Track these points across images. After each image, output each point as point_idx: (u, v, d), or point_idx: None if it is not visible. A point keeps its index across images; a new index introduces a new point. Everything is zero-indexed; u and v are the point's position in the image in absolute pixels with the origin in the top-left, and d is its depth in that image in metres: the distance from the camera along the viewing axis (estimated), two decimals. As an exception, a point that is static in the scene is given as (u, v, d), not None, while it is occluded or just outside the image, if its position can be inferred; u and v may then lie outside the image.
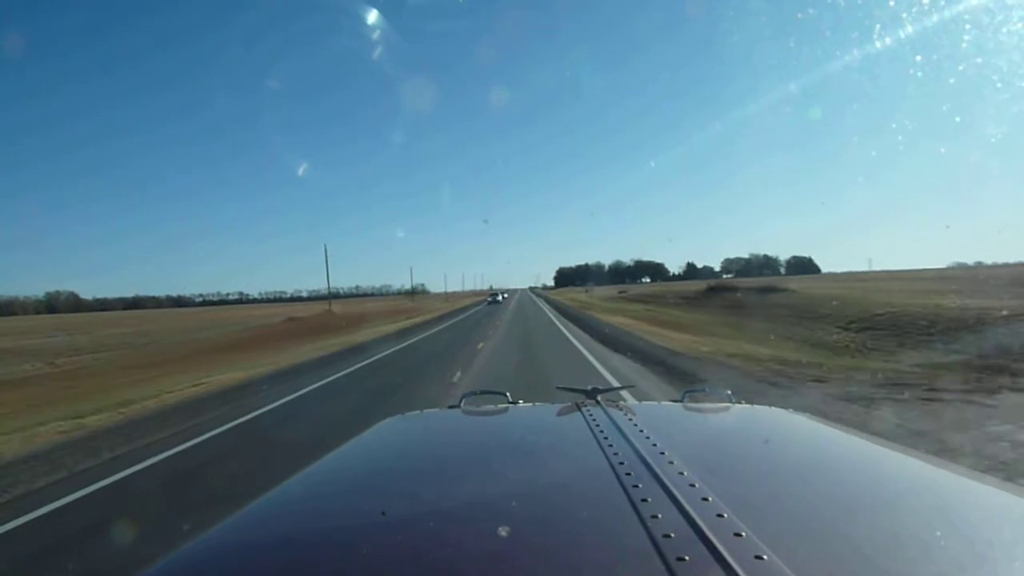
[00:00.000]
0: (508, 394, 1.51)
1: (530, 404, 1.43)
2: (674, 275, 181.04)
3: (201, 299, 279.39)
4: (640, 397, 5.63)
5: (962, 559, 0.58)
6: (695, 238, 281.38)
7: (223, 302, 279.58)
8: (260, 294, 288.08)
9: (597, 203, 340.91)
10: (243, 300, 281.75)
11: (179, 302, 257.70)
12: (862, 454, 1.00)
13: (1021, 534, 0.67)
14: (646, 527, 0.59)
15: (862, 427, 3.74)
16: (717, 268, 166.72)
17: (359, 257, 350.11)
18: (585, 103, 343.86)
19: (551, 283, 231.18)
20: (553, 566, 0.58)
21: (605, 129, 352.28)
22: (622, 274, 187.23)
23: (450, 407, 1.49)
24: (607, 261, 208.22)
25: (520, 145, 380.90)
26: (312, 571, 0.62)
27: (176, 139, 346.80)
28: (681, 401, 1.39)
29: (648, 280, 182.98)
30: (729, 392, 1.45)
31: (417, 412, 1.46)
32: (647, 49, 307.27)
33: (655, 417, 1.17)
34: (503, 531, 0.63)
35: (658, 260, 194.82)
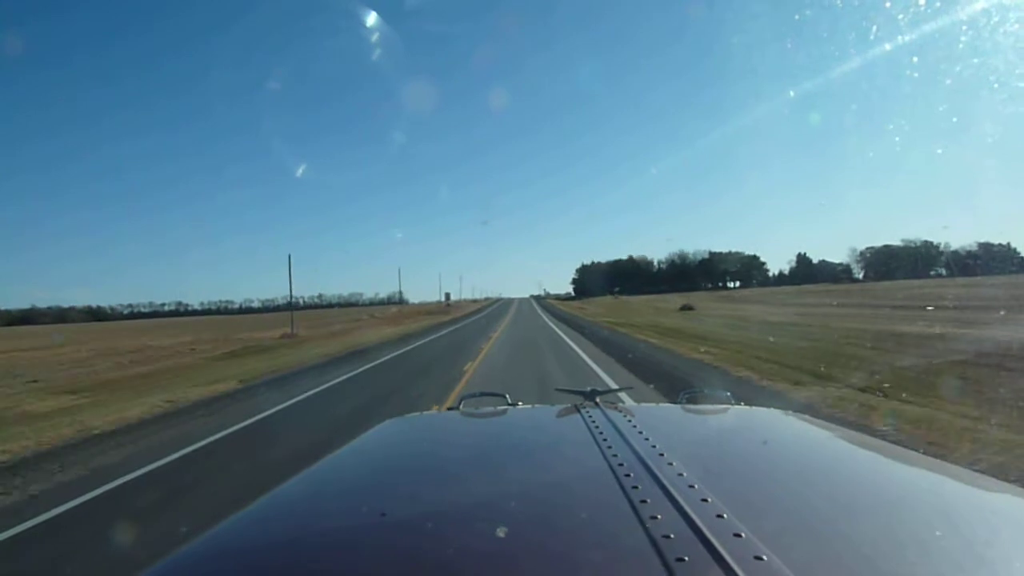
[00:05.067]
0: (507, 396, 1.57)
1: (529, 406, 1.48)
2: (779, 275, 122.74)
3: (129, 310, 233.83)
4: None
5: (961, 559, 0.59)
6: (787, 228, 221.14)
7: (155, 314, 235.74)
8: (201, 304, 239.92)
9: (600, 209, 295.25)
10: (179, 312, 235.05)
11: (98, 314, 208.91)
12: (861, 455, 1.03)
13: (1020, 534, 0.69)
14: (645, 528, 0.61)
15: None
16: (839, 262, 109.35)
17: (353, 264, 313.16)
18: (586, 108, 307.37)
19: (558, 291, 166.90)
20: (553, 567, 0.60)
21: (607, 134, 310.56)
22: (689, 274, 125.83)
23: (449, 409, 1.56)
24: (655, 255, 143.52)
25: (521, 151, 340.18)
26: (312, 572, 0.64)
27: (160, 148, 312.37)
28: (680, 403, 1.42)
29: (737, 285, 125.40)
30: (728, 393, 1.47)
31: (417, 414, 1.55)
32: (649, 53, 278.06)
33: (654, 418, 1.20)
34: (502, 532, 0.64)
35: (746, 250, 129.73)
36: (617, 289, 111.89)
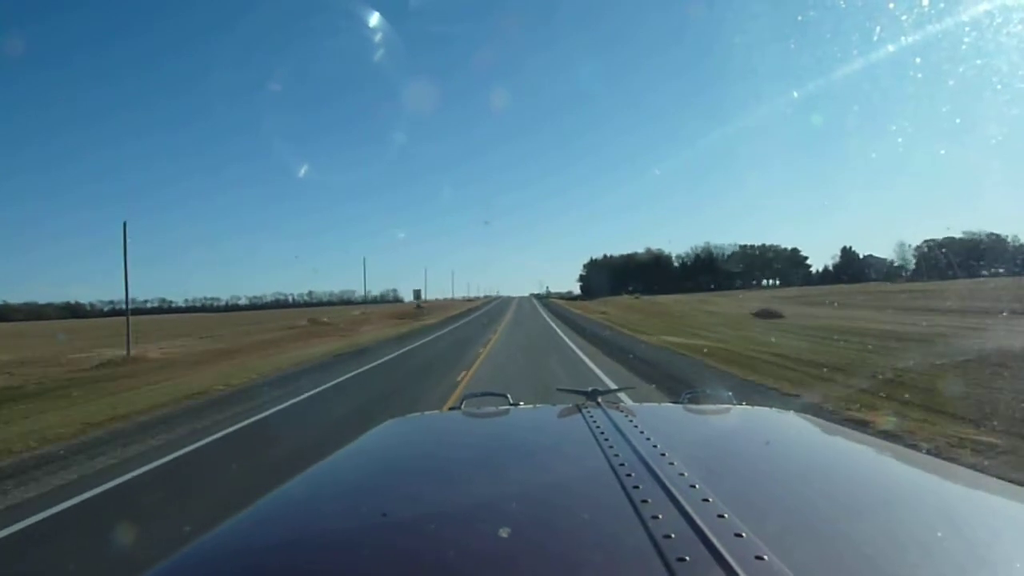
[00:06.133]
0: (509, 396, 1.57)
1: (531, 406, 1.47)
2: (824, 271, 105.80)
3: (110, 307, 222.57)
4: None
5: (963, 560, 0.59)
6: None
7: (137, 311, 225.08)
8: (185, 301, 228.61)
9: (601, 208, 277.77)
10: (162, 309, 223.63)
11: (76, 311, 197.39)
12: (862, 455, 1.04)
13: (1022, 535, 0.69)
14: (647, 528, 0.61)
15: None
16: (887, 257, 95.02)
17: (353, 263, 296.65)
18: (587, 107, 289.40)
19: (559, 289, 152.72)
20: (554, 567, 0.60)
21: (608, 133, 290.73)
22: (716, 271, 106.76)
23: (451, 409, 1.58)
24: (675, 250, 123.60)
25: (523, 150, 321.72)
26: (313, 573, 0.64)
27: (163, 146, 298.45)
28: (681, 402, 1.42)
29: (776, 282, 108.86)
30: (729, 393, 1.47)
31: (418, 414, 1.55)
32: (651, 52, 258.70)
33: (656, 418, 1.20)
34: (504, 532, 0.64)
35: (780, 243, 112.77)
36: (632, 288, 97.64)
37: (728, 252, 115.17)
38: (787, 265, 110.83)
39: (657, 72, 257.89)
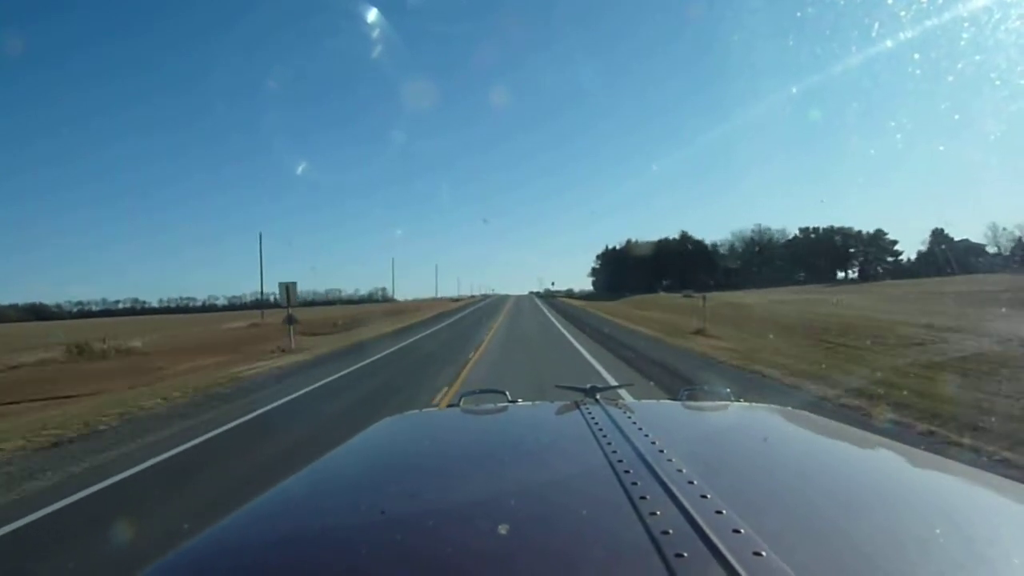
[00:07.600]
0: (507, 393, 1.57)
1: (529, 403, 1.48)
2: (916, 258, 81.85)
3: (79, 308, 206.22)
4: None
5: (962, 557, 0.59)
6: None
7: (107, 312, 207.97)
8: (160, 302, 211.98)
9: (602, 205, 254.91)
10: (135, 309, 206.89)
11: (40, 312, 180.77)
12: (861, 452, 1.05)
13: (1021, 532, 0.69)
14: (645, 524, 0.61)
15: None
16: (978, 240, 75.79)
17: (350, 261, 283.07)
18: (588, 105, 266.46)
19: (560, 287, 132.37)
20: (552, 564, 0.60)
21: (608, 131, 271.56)
22: (770, 261, 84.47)
23: (449, 406, 1.57)
24: (711, 237, 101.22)
25: (522, 149, 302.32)
26: (311, 569, 0.64)
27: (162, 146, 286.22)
28: (680, 399, 1.43)
29: (854, 274, 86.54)
30: (728, 390, 1.48)
31: (416, 411, 1.56)
32: (652, 49, 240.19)
33: (654, 415, 1.22)
34: (502, 529, 0.64)
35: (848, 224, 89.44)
36: (669, 282, 78.19)
37: (781, 238, 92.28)
38: (868, 252, 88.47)
39: (658, 68, 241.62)
